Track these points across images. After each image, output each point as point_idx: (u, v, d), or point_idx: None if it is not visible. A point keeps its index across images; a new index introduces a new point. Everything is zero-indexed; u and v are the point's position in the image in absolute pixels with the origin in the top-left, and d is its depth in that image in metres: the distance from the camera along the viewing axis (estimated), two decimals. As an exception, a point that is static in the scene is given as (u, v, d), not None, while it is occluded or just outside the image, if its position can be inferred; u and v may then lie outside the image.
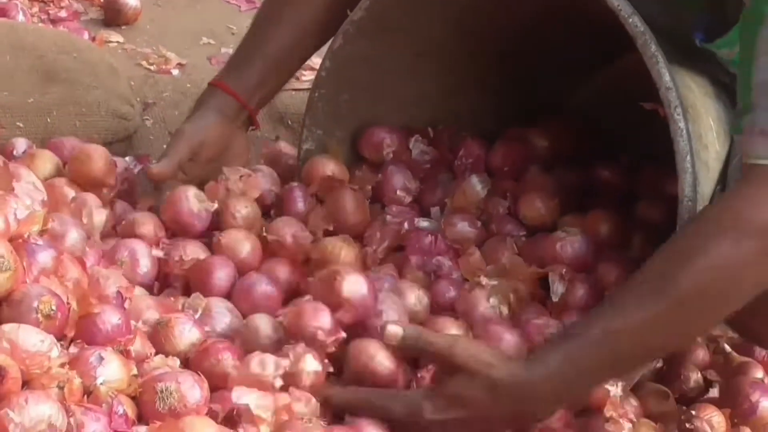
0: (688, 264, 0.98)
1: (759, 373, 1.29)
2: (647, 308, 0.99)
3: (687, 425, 1.17)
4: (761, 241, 0.97)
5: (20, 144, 1.29)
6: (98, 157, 1.23)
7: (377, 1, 1.21)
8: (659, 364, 1.26)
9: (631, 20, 1.05)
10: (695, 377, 1.27)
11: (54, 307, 0.92)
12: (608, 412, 1.08)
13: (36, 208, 1.05)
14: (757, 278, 0.99)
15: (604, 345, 1.00)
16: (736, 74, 1.14)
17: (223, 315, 1.08)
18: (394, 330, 1.00)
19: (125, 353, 0.95)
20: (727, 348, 1.34)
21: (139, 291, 1.11)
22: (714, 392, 1.27)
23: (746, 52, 1.07)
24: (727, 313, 1.06)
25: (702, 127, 1.11)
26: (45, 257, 1.00)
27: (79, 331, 0.97)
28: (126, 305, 1.03)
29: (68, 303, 0.96)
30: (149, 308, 1.06)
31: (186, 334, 1.02)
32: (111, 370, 0.91)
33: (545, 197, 1.27)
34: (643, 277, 1.03)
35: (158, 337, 1.02)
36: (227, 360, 1.00)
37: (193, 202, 1.17)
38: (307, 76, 1.63)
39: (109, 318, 0.97)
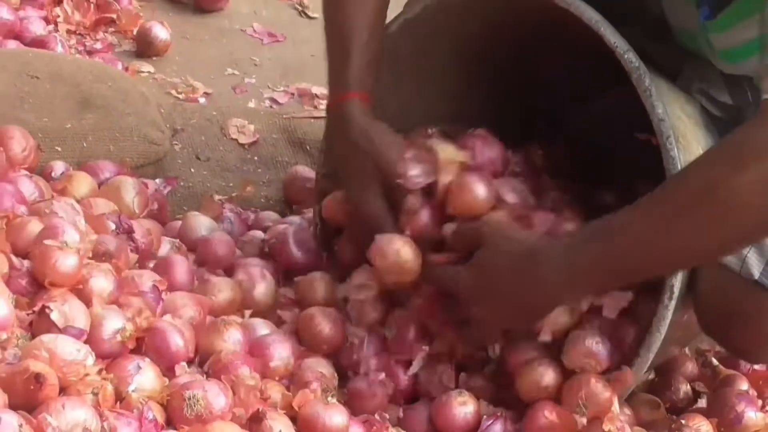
0: (727, 176, 0.98)
1: (744, 385, 1.32)
2: (691, 217, 1.02)
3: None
4: None
5: (58, 167, 1.35)
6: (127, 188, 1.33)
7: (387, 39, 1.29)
8: (651, 376, 1.30)
9: (626, 56, 1.10)
10: (684, 389, 1.31)
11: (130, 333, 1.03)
12: (606, 426, 1.09)
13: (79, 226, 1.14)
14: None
15: (635, 254, 1.03)
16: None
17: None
18: None
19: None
20: (714, 362, 1.38)
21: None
22: (702, 403, 1.31)
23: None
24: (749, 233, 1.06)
25: (692, 155, 1.14)
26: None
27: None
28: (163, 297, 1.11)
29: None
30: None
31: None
32: (146, 379, 0.97)
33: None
34: (684, 187, 1.04)
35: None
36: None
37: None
38: (323, 104, 1.68)
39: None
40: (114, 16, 1.98)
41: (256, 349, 1.13)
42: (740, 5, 1.15)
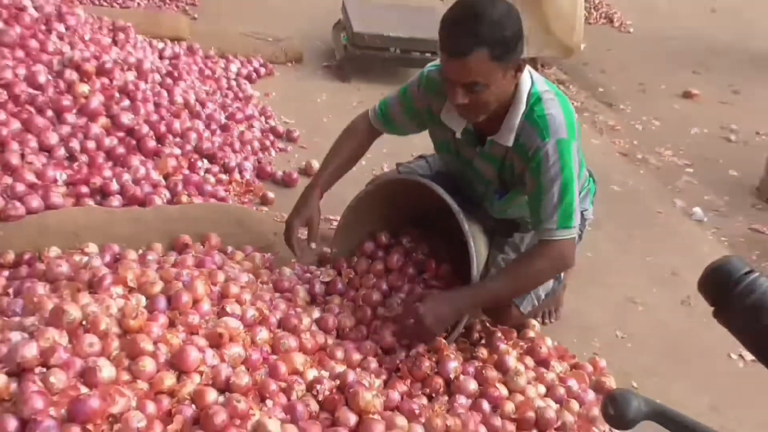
0: (532, 263, 1.92)
1: (499, 333, 2.18)
2: (513, 279, 1.94)
3: (473, 354, 2.08)
4: (556, 257, 1.90)
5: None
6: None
7: (351, 210, 2.19)
8: (463, 331, 2.10)
9: (453, 207, 1.95)
10: (476, 335, 2.20)
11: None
12: (446, 351, 1.95)
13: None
14: (544, 278, 1.99)
15: (491, 293, 1.94)
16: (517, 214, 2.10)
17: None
18: None
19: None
20: (488, 325, 2.23)
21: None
22: (483, 342, 2.18)
23: (533, 198, 1.90)
24: (530, 288, 2.03)
25: (479, 246, 2.01)
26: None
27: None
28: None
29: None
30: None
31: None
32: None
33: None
34: (513, 268, 1.97)
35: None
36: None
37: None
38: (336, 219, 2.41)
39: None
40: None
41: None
42: (512, 194, 2.05)
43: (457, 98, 1.79)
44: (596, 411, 2.01)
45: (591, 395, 2.09)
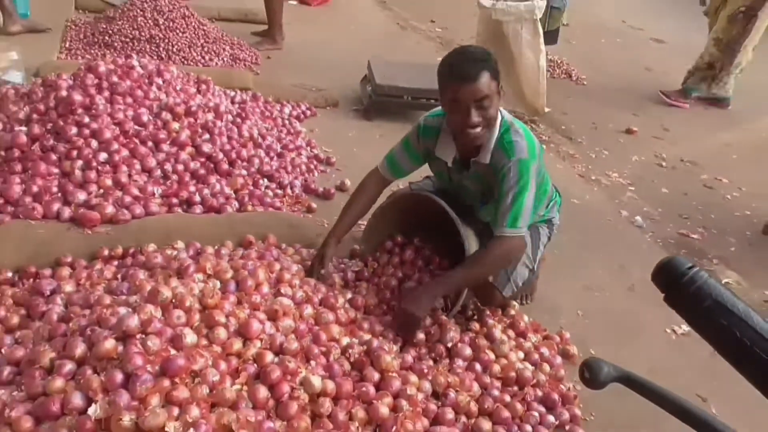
0: (485, 256, 1.87)
1: (488, 311, 2.14)
2: (471, 269, 1.88)
3: (467, 327, 2.05)
4: (504, 250, 1.86)
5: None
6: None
7: (374, 217, 2.20)
8: (459, 311, 2.09)
9: (454, 217, 1.93)
10: (468, 313, 2.16)
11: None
12: (448, 326, 1.95)
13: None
14: (499, 265, 1.93)
15: (456, 281, 1.88)
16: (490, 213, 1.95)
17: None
18: None
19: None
20: (478, 305, 2.20)
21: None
22: (475, 318, 2.15)
23: (496, 203, 1.87)
24: (489, 273, 1.96)
25: (471, 244, 1.96)
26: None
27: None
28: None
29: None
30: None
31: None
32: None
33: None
34: (470, 260, 1.88)
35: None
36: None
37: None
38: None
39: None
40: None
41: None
42: (491, 204, 2.00)
43: (472, 118, 1.79)
44: (563, 372, 2.02)
45: (558, 360, 2.09)
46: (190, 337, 1.51)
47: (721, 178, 4.02)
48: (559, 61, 5.65)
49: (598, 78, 5.56)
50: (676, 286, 0.68)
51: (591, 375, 0.82)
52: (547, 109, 4.27)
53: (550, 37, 4.47)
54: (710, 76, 4.97)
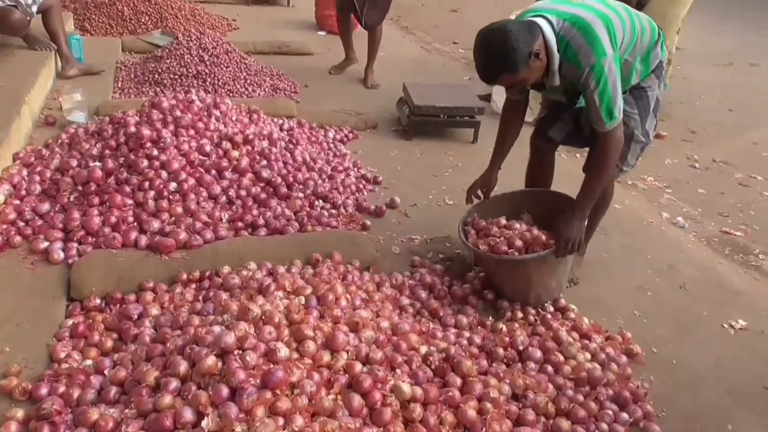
0: (600, 156, 2.00)
1: (549, 315, 2.18)
2: (597, 172, 2.04)
3: (534, 331, 2.06)
4: (615, 142, 1.97)
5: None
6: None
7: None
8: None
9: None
10: (533, 314, 2.19)
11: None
12: (514, 324, 2.06)
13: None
14: (614, 157, 2.00)
15: (592, 189, 2.05)
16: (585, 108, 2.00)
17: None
18: None
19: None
20: (539, 309, 2.26)
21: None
22: (538, 323, 2.17)
23: (586, 109, 1.97)
24: (612, 168, 2.04)
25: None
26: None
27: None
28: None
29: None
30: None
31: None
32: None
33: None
34: (591, 167, 2.09)
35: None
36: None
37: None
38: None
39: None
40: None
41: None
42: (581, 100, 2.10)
43: (512, 94, 2.12)
44: (629, 370, 1.98)
45: (624, 359, 2.07)
46: (284, 351, 1.53)
47: (756, 175, 3.96)
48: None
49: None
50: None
51: None
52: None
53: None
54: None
